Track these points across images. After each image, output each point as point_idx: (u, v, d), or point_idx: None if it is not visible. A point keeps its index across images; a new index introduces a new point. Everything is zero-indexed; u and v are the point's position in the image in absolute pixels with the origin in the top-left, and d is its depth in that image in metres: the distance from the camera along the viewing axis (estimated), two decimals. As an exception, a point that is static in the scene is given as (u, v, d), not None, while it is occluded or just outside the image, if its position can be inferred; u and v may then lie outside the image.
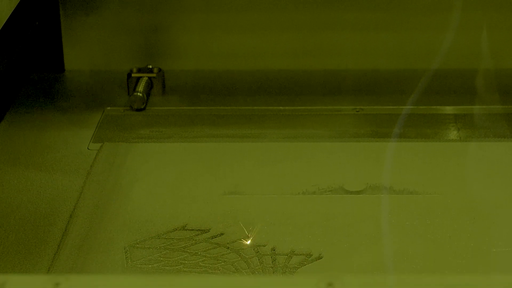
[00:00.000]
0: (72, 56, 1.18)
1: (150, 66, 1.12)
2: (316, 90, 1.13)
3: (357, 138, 1.03)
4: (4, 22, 0.91)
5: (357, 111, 1.07)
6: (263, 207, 0.88)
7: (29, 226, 0.82)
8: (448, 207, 0.88)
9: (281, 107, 1.10)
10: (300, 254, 0.78)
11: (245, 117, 1.08)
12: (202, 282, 0.41)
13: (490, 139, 1.03)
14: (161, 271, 0.77)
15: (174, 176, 0.95)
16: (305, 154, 0.99)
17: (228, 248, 0.79)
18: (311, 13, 1.16)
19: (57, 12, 1.15)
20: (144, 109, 1.07)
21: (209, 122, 1.07)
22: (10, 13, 0.93)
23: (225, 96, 1.13)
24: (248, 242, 0.81)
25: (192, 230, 0.82)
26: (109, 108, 1.08)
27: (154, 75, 1.11)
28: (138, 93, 1.06)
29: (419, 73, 1.10)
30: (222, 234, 0.82)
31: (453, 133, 1.04)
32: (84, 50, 1.19)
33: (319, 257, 0.77)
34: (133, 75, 1.10)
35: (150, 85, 1.10)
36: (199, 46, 1.19)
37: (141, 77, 1.10)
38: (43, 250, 0.77)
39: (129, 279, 0.44)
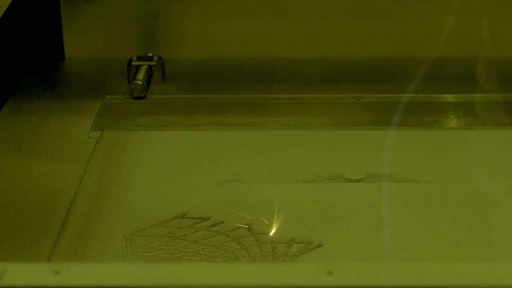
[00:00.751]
0: (72, 44, 1.18)
1: (150, 54, 1.12)
2: (316, 78, 1.13)
3: (357, 127, 1.03)
4: (4, 10, 0.91)
5: (357, 99, 1.07)
6: (263, 195, 0.88)
7: (29, 214, 0.82)
8: (448, 195, 0.88)
9: (280, 95, 1.09)
10: (300, 242, 0.78)
11: (245, 105, 1.08)
12: (202, 271, 0.42)
13: (490, 127, 1.03)
14: (161, 259, 0.78)
15: (174, 164, 0.95)
16: (305, 142, 0.99)
17: (228, 236, 0.79)
18: (310, 0, 1.15)
19: (57, 0, 1.15)
20: (144, 97, 1.07)
21: (209, 110, 1.07)
22: (10, 1, 0.93)
23: (225, 84, 1.13)
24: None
25: (192, 218, 0.82)
26: (109, 96, 1.08)
27: (154, 63, 1.11)
28: (138, 81, 1.05)
29: (419, 61, 1.10)
30: (222, 222, 0.82)
31: (453, 121, 1.04)
32: (84, 39, 1.19)
33: (319, 245, 0.77)
34: (133, 63, 1.10)
35: (150, 73, 1.10)
36: (199, 34, 1.19)
37: (141, 65, 1.10)
38: (43, 238, 0.77)
39: (129, 267, 0.43)
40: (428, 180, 0.92)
